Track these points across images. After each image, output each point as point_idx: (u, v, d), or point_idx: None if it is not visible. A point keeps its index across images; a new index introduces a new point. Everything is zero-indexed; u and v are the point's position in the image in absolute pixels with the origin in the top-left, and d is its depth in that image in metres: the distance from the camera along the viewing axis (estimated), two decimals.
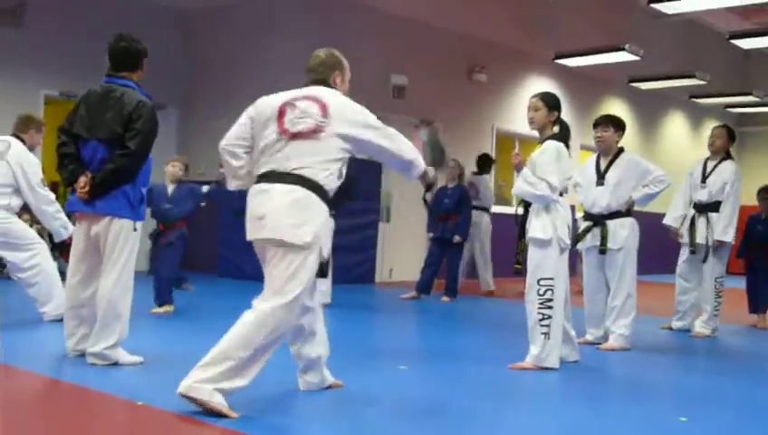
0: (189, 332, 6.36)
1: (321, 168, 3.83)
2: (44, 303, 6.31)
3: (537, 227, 5.23)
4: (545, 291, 5.15)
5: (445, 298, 9.54)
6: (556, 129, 5.37)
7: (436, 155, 4.60)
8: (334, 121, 3.88)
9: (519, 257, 5.82)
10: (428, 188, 4.55)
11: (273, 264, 3.77)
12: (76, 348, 4.86)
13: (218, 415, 3.56)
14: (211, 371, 3.61)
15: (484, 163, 10.83)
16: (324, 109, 3.90)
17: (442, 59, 12.59)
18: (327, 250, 3.96)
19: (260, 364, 3.73)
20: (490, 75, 13.28)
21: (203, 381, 3.60)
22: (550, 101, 5.39)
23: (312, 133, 3.85)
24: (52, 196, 6.36)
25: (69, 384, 4.34)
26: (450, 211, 9.57)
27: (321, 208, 3.83)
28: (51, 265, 6.43)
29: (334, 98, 4.00)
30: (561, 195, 5.26)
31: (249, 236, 3.90)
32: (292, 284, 3.72)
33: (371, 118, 4.00)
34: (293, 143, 3.86)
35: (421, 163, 4.12)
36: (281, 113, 3.93)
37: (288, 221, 3.74)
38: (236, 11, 11.71)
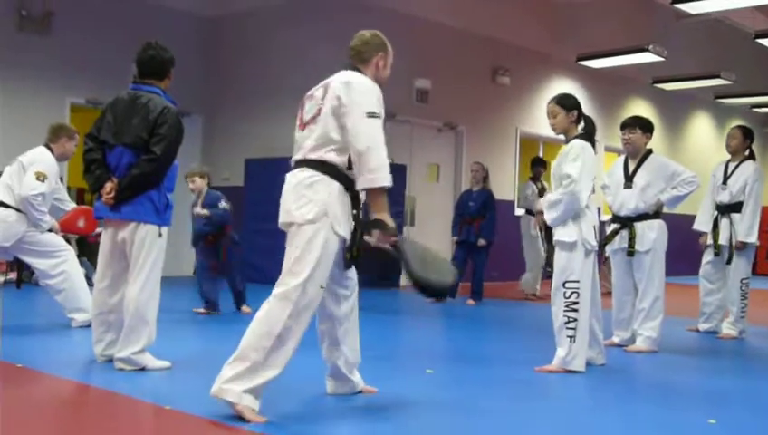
0: (217, 335, 6.39)
1: (324, 144, 3.80)
2: (72, 309, 6.36)
3: (563, 230, 5.22)
4: (571, 294, 5.13)
5: (470, 301, 9.52)
6: (580, 127, 5.37)
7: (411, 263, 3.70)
8: (330, 95, 3.82)
9: (549, 260, 5.81)
10: (373, 226, 3.75)
11: (287, 247, 3.79)
12: (104, 353, 4.90)
13: (247, 419, 3.56)
14: (238, 367, 3.62)
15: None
16: (326, 90, 3.88)
17: (465, 62, 12.58)
18: (345, 231, 3.79)
19: (287, 352, 3.67)
20: (513, 78, 13.25)
21: (231, 380, 3.60)
22: (567, 103, 5.39)
23: (317, 117, 3.85)
24: (40, 188, 6.19)
25: (97, 389, 4.38)
26: (475, 215, 9.55)
27: (328, 185, 3.76)
28: (78, 272, 6.49)
29: (342, 77, 3.89)
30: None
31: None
32: (301, 263, 3.69)
33: (366, 105, 3.75)
34: (305, 131, 3.90)
35: (380, 179, 3.67)
36: (301, 107, 4.01)
37: (292, 203, 3.78)
38: (259, 17, 11.77)
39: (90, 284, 10.02)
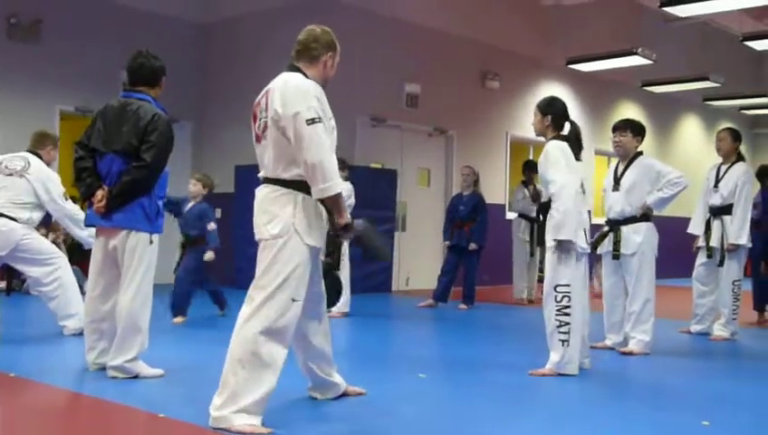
0: (211, 343, 6.37)
1: (281, 163, 3.73)
2: (64, 316, 6.34)
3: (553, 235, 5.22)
4: (562, 298, 5.14)
5: (462, 306, 9.53)
6: (567, 131, 5.38)
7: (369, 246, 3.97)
8: (271, 114, 3.72)
9: (542, 265, 5.82)
10: (343, 229, 3.79)
11: (257, 262, 3.77)
12: (97, 362, 4.89)
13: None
14: (223, 394, 3.60)
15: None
16: (267, 99, 3.78)
17: (455, 67, 12.60)
18: (316, 241, 3.77)
19: (271, 369, 3.64)
20: (503, 82, 13.28)
21: (221, 407, 3.58)
22: (542, 107, 5.48)
23: (264, 132, 3.80)
24: (76, 208, 6.38)
25: (90, 398, 4.35)
26: (465, 219, 9.56)
27: (291, 197, 3.71)
28: (71, 279, 6.47)
29: (278, 84, 3.79)
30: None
31: None
32: (268, 276, 3.68)
33: (302, 104, 3.64)
34: (260, 147, 3.87)
35: (333, 187, 3.63)
36: (253, 118, 3.92)
37: (260, 220, 3.78)
38: (249, 23, 11.76)
39: (81, 292, 10.00)
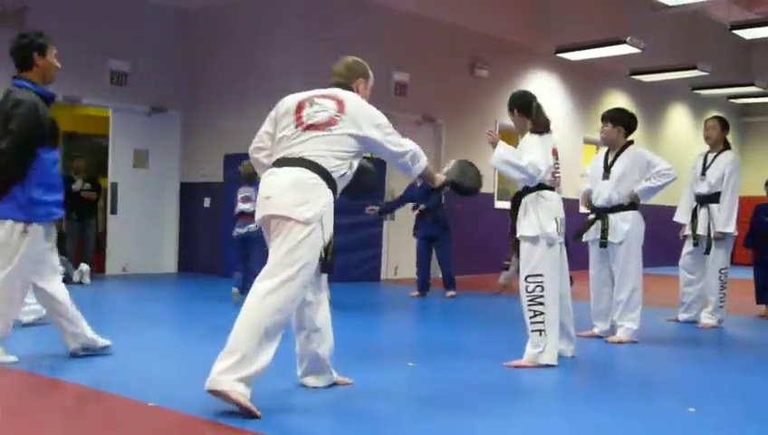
0: (202, 332, 6.37)
1: (331, 156, 3.99)
2: None
3: (524, 224, 5.23)
4: (534, 287, 5.13)
5: (449, 293, 9.55)
6: (535, 124, 5.38)
7: (464, 175, 4.62)
8: (348, 119, 4.06)
9: (509, 255, 5.82)
10: (440, 188, 4.66)
11: (276, 240, 3.86)
12: None
13: (243, 410, 3.60)
14: (229, 360, 3.67)
15: None
16: (341, 105, 4.09)
17: (443, 55, 12.58)
18: (328, 238, 3.96)
19: (273, 344, 3.76)
20: (492, 70, 13.27)
21: (222, 372, 3.64)
22: (510, 103, 5.52)
23: (326, 126, 4.03)
24: None
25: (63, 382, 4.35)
26: (431, 208, 9.51)
27: (326, 192, 3.94)
28: None
29: (352, 98, 4.19)
30: (551, 189, 5.27)
31: (257, 216, 4.03)
32: (291, 257, 3.79)
33: (382, 119, 4.16)
34: (307, 133, 4.03)
35: (422, 162, 4.28)
36: (299, 108, 4.12)
37: (290, 198, 3.86)
38: (238, 11, 11.70)
39: (70, 281, 9.95)
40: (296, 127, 4.05)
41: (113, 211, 11.78)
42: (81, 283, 9.85)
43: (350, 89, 4.29)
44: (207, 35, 12.22)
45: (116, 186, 11.76)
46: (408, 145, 4.23)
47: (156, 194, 12.02)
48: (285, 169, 3.95)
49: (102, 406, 4.00)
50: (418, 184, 9.56)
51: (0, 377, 4.52)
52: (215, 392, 3.64)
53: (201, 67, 12.26)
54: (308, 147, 3.98)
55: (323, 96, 4.15)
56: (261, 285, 3.78)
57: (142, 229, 11.94)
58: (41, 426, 3.60)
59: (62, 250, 10.26)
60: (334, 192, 4.00)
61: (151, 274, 11.85)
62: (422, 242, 9.75)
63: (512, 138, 5.74)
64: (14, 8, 10.45)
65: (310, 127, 4.03)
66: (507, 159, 5.19)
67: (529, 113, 5.39)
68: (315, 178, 3.91)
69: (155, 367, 4.88)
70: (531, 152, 5.19)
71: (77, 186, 10.97)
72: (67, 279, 9.39)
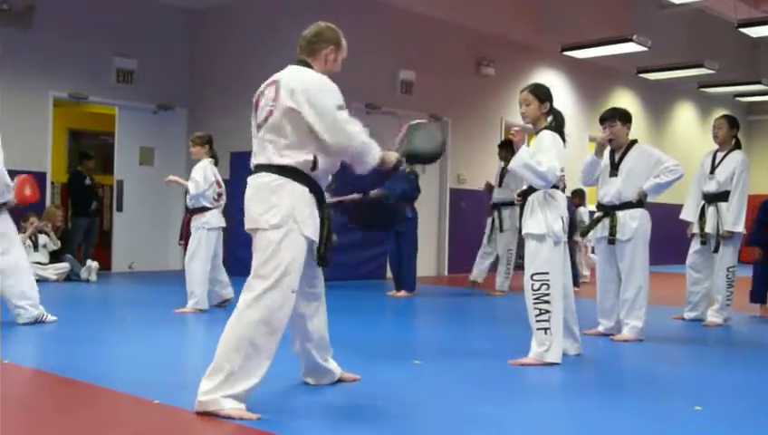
0: (208, 330, 6.38)
1: (286, 149, 3.75)
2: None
3: (530, 222, 5.21)
4: (540, 286, 5.11)
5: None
6: (550, 119, 5.36)
7: (420, 141, 4.15)
8: (282, 96, 3.76)
9: (522, 252, 5.79)
10: (390, 172, 4.05)
11: (256, 253, 3.75)
12: None
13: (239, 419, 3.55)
14: (215, 378, 3.60)
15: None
16: (277, 90, 3.80)
17: (450, 53, 12.58)
18: (312, 233, 3.79)
19: (263, 359, 3.65)
20: (498, 69, 13.27)
21: (209, 392, 3.58)
22: (540, 94, 5.33)
23: (270, 118, 3.79)
24: None
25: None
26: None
27: (293, 188, 3.74)
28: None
29: (291, 74, 3.87)
30: (557, 188, 5.25)
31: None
32: (268, 267, 3.66)
33: (324, 95, 3.75)
34: (260, 133, 3.85)
35: (372, 160, 3.85)
36: (255, 106, 3.95)
37: (254, 209, 3.76)
38: (243, 9, 11.71)
39: (77, 278, 9.97)
40: (256, 129, 3.89)
41: (119, 208, 11.82)
42: (88, 280, 9.88)
43: (313, 58, 3.97)
44: (214, 34, 12.24)
45: (122, 183, 11.80)
46: (355, 135, 3.76)
47: (162, 191, 12.03)
48: (250, 178, 3.84)
49: (107, 403, 4.01)
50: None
51: (4, 374, 4.53)
52: (203, 414, 3.57)
53: (207, 65, 12.27)
54: (263, 148, 3.81)
55: (269, 84, 3.89)
56: (241, 298, 3.69)
57: (148, 227, 11.97)
58: (45, 423, 3.60)
59: (67, 248, 10.32)
60: (309, 183, 3.77)
61: (157, 271, 11.87)
62: (392, 239, 9.45)
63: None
64: (22, 7, 10.48)
65: (260, 126, 3.84)
66: (528, 163, 5.12)
67: (551, 108, 5.33)
68: (277, 179, 3.73)
69: (160, 365, 4.89)
70: (548, 152, 5.14)
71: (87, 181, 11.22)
72: (76, 277, 9.43)
